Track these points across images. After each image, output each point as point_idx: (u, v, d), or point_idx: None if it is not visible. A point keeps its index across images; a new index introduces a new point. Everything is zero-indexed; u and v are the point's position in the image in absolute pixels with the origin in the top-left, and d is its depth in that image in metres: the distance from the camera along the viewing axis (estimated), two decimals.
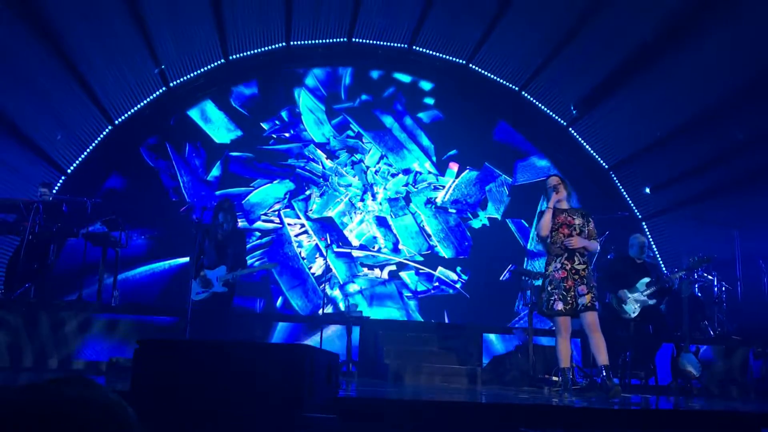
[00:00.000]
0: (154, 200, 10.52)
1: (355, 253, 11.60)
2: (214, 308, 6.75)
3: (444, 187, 12.09)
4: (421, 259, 11.60)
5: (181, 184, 11.06)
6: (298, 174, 11.67)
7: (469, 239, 11.94)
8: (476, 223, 11.94)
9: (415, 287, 11.60)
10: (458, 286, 11.69)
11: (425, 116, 12.12)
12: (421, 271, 11.63)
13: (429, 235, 11.87)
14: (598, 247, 5.91)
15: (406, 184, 11.94)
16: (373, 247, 11.55)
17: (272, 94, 11.79)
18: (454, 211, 12.07)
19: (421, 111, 12.12)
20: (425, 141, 12.12)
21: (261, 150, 11.56)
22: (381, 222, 11.73)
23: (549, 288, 5.62)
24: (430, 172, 12.05)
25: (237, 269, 6.90)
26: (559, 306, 5.53)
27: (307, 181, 11.64)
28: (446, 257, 11.76)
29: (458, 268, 11.74)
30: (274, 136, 11.78)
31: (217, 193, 11.07)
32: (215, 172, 11.26)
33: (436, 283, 11.68)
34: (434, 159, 12.04)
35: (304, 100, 11.98)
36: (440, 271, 11.80)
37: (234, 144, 11.47)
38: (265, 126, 11.72)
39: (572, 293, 5.52)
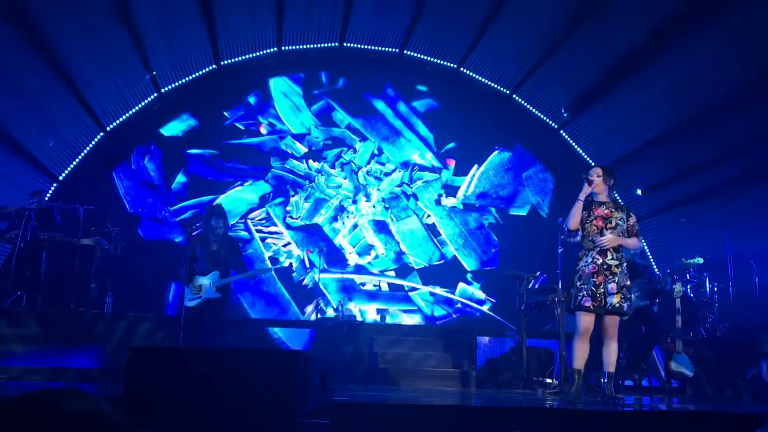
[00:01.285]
0: (107, 214, 8.97)
1: (351, 264, 10.03)
2: (207, 314, 6.74)
3: (462, 179, 10.33)
4: (425, 264, 10.13)
5: (121, 191, 9.67)
6: (275, 174, 10.14)
7: (496, 244, 10.30)
8: (485, 220, 10.44)
9: (431, 312, 9.95)
10: (486, 308, 10.06)
11: (420, 105, 10.93)
12: (436, 290, 10.02)
13: (442, 240, 10.25)
14: (639, 245, 5.56)
15: (401, 184, 10.48)
16: (370, 254, 10.12)
17: (235, 74, 10.31)
18: (477, 205, 10.36)
19: (415, 99, 10.95)
20: (423, 130, 10.71)
21: (227, 146, 10.05)
22: (380, 227, 10.27)
23: (578, 283, 5.29)
24: (434, 166, 10.55)
25: (228, 275, 6.89)
26: (588, 302, 5.18)
27: (289, 183, 10.17)
28: (468, 268, 10.20)
29: (468, 275, 10.15)
30: (241, 126, 10.15)
31: (173, 208, 9.75)
32: (181, 178, 9.89)
33: (459, 305, 10.03)
34: (435, 150, 10.72)
35: (276, 81, 10.49)
36: (462, 289, 10.08)
37: (189, 138, 9.98)
38: (226, 114, 10.15)
39: (601, 290, 5.20)
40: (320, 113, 10.60)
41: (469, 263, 10.35)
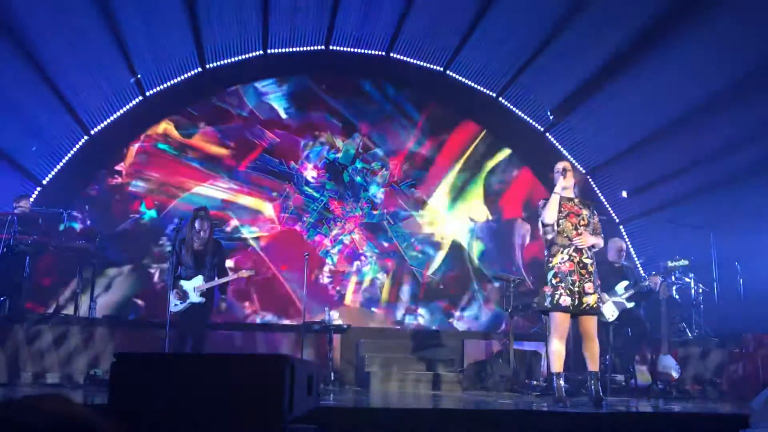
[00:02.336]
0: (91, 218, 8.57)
1: (337, 270, 9.04)
2: (192, 319, 6.68)
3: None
4: (432, 277, 9.08)
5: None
6: (245, 173, 9.03)
7: (525, 246, 9.15)
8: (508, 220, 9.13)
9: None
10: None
11: (407, 95, 10.09)
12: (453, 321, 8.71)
13: (455, 245, 9.09)
14: (602, 243, 5.55)
15: (389, 182, 9.46)
16: (359, 260, 9.13)
17: (219, 78, 9.13)
18: (495, 202, 9.17)
19: (403, 88, 9.97)
20: (416, 117, 9.71)
21: (182, 136, 8.95)
22: (371, 230, 9.28)
23: (553, 281, 5.12)
24: (432, 157, 9.36)
25: (213, 278, 6.82)
26: (566, 301, 5.02)
27: (264, 183, 9.05)
28: (494, 284, 8.98)
29: (477, 288, 8.93)
30: (193, 112, 9.00)
31: (122, 224, 8.60)
32: (138, 183, 8.96)
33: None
34: (429, 139, 9.63)
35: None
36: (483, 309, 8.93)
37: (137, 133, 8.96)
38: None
39: (577, 289, 5.07)
40: (293, 94, 9.42)
41: (492, 273, 9.14)
